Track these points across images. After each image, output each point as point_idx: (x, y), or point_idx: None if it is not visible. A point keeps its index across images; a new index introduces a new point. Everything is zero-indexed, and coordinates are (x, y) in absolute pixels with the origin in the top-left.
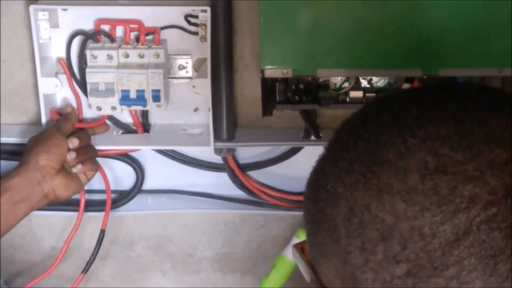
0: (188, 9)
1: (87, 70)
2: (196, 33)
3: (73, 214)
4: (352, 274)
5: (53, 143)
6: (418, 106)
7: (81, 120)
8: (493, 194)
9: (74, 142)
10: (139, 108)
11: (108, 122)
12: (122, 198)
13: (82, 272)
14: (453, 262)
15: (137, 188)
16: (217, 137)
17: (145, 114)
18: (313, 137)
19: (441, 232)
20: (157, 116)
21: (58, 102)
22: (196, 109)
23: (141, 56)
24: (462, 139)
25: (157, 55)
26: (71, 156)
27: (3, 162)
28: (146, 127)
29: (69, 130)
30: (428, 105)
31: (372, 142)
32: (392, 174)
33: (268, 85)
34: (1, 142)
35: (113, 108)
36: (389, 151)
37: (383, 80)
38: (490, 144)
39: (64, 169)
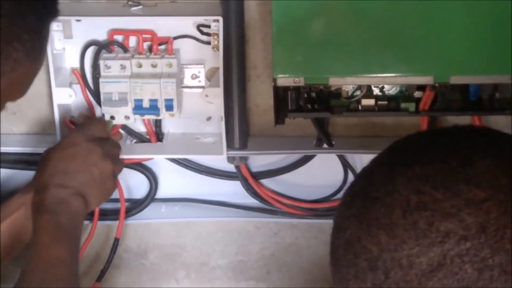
0: (200, 19)
1: (101, 80)
2: (208, 43)
3: (87, 223)
4: None
5: None
6: (412, 148)
7: None
8: (467, 230)
9: None
10: (152, 117)
11: (121, 131)
12: (136, 206)
13: (96, 281)
14: None
15: (150, 197)
16: (230, 145)
17: (158, 123)
18: (325, 145)
19: (417, 264)
20: (170, 125)
21: (73, 112)
22: (209, 118)
23: (154, 66)
24: (444, 179)
25: (170, 65)
26: None
27: (20, 172)
28: (159, 136)
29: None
30: (421, 147)
31: (369, 179)
32: (380, 209)
33: (280, 93)
34: (17, 152)
35: (127, 117)
36: (380, 188)
37: (395, 88)
38: (470, 183)
39: None
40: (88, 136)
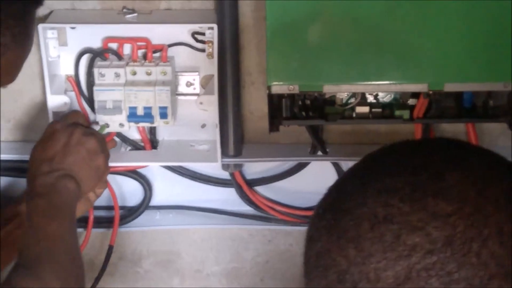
0: (195, 27)
1: (95, 88)
2: (203, 50)
3: (82, 231)
4: None
5: None
6: (384, 160)
7: None
8: (433, 244)
9: None
10: (146, 125)
11: (116, 138)
12: (130, 214)
13: None
14: None
15: (145, 204)
16: (224, 153)
17: (152, 130)
18: (320, 153)
19: (384, 278)
20: (164, 132)
21: None
22: (203, 126)
23: (148, 74)
24: (413, 192)
25: (165, 72)
26: None
27: (15, 179)
28: (153, 143)
29: None
30: (393, 159)
31: (341, 191)
32: (349, 222)
33: (274, 101)
34: (12, 159)
35: (121, 125)
36: (350, 200)
37: (389, 95)
38: (437, 197)
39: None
40: (66, 123)
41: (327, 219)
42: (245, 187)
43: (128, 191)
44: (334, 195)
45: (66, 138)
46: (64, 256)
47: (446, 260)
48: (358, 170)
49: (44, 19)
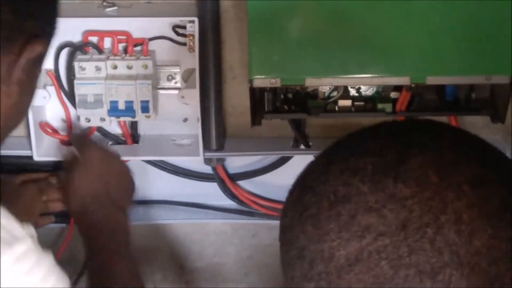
0: (176, 20)
1: (75, 82)
2: (184, 44)
3: (64, 226)
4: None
5: (28, 206)
6: (353, 141)
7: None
8: (387, 226)
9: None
10: (128, 119)
11: (97, 133)
12: None
13: (73, 284)
14: (344, 286)
15: None
16: (207, 147)
17: (134, 125)
18: (302, 146)
19: (337, 257)
20: (146, 127)
21: (47, 114)
22: (185, 120)
23: (129, 67)
24: (374, 173)
25: (146, 66)
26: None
27: None
28: (135, 138)
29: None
30: (361, 141)
31: (310, 169)
32: (311, 198)
33: (256, 95)
34: None
35: (102, 119)
36: (315, 178)
37: (371, 88)
38: (398, 179)
39: None
40: (102, 150)
41: (295, 195)
42: (227, 181)
43: None
44: (304, 172)
45: (111, 169)
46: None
47: (398, 243)
48: (327, 150)
49: None
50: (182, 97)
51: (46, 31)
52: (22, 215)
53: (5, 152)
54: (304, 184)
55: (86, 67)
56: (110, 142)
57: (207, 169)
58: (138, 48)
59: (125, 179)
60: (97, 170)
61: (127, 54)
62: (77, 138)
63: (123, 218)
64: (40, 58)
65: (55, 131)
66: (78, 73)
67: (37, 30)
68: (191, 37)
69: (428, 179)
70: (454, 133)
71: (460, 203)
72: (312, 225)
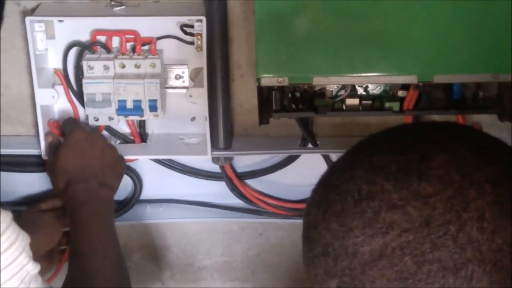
0: (183, 19)
1: (84, 81)
2: (192, 43)
3: None
4: (312, 285)
5: (46, 231)
6: (377, 141)
7: None
8: (411, 223)
9: None
10: (136, 118)
11: (105, 132)
12: (120, 208)
13: None
14: (368, 281)
15: (135, 198)
16: (214, 146)
17: (142, 124)
18: (310, 145)
19: (361, 252)
20: (154, 125)
21: (56, 113)
22: (193, 119)
23: (137, 67)
24: (398, 171)
25: (154, 65)
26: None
27: (3, 174)
28: (143, 137)
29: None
30: (384, 141)
31: (334, 168)
32: (335, 197)
33: (264, 93)
34: (1, 153)
35: (110, 118)
36: (339, 176)
37: (379, 87)
38: (421, 178)
39: (46, 256)
40: (85, 131)
41: (319, 194)
42: (235, 180)
43: None
44: (328, 171)
45: (93, 146)
46: (116, 263)
47: (422, 240)
48: (351, 149)
49: (31, 12)
50: (190, 96)
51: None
52: (41, 244)
53: (14, 151)
54: (328, 183)
55: (94, 66)
56: (118, 141)
57: (215, 168)
58: (146, 47)
59: (110, 157)
60: (80, 148)
61: (135, 53)
62: (66, 122)
63: (106, 193)
64: None
65: (62, 135)
66: (86, 72)
67: None
68: (199, 36)
69: (451, 178)
70: (476, 134)
71: (482, 201)
72: (337, 222)
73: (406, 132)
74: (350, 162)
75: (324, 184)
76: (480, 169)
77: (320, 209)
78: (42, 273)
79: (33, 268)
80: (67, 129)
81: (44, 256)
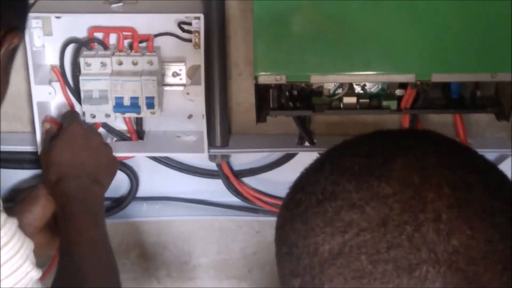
0: (181, 16)
1: (81, 77)
2: (189, 40)
3: None
4: (281, 285)
5: (39, 203)
6: (346, 146)
7: None
8: (368, 222)
9: None
10: (133, 115)
11: (102, 129)
12: (116, 205)
13: None
14: (327, 280)
15: (131, 196)
16: (211, 143)
17: (139, 121)
18: (307, 143)
19: (321, 251)
20: (151, 123)
21: (52, 110)
22: (190, 116)
23: (134, 64)
24: (361, 172)
25: (151, 62)
26: None
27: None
28: (140, 134)
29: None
30: (352, 145)
31: (304, 171)
32: (301, 197)
33: (261, 91)
34: None
35: (107, 115)
36: (307, 178)
37: (376, 86)
38: (381, 178)
39: (47, 228)
40: (83, 126)
41: (288, 195)
42: (232, 178)
43: (114, 182)
44: (300, 174)
45: (90, 143)
46: (106, 260)
47: (378, 239)
48: (323, 153)
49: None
50: (187, 93)
51: (22, 24)
52: (40, 218)
53: (11, 147)
54: (297, 185)
55: (91, 63)
56: (115, 138)
57: (212, 166)
58: (144, 44)
59: (105, 156)
60: (75, 143)
61: (133, 50)
62: (66, 114)
63: (97, 191)
64: (15, 51)
65: (60, 127)
66: (83, 69)
67: (14, 23)
68: (196, 34)
69: (410, 179)
70: (441, 140)
71: (440, 203)
72: (301, 221)
73: (374, 138)
74: (319, 165)
75: (294, 186)
76: (440, 173)
77: (288, 210)
78: (49, 245)
79: (36, 274)
80: (66, 122)
81: (46, 229)
